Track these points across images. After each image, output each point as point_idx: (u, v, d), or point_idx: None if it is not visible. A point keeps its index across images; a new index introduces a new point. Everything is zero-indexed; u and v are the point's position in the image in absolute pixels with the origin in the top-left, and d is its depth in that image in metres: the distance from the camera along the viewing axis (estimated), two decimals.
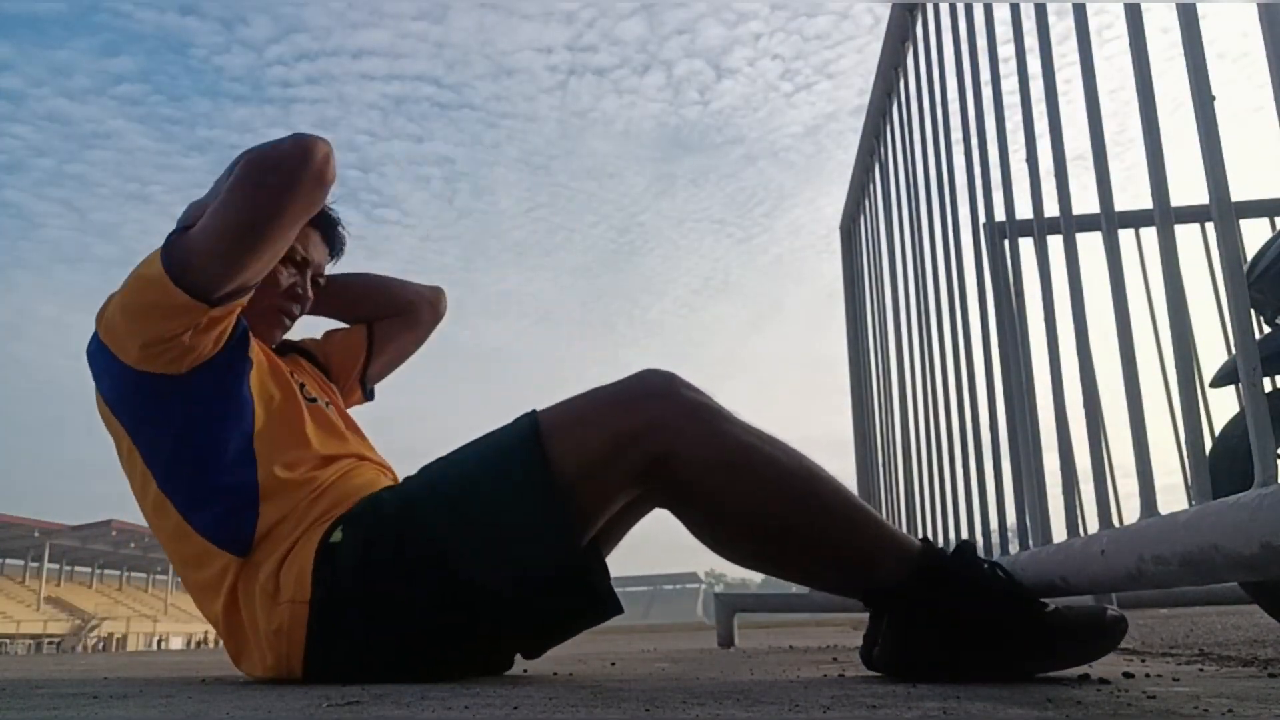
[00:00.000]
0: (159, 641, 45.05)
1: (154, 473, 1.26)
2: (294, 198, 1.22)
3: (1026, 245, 1.34)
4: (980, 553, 1.53)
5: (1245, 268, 1.81)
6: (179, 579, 1.39)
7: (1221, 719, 0.72)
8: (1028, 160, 1.31)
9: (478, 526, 1.15)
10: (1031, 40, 1.23)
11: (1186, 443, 0.95)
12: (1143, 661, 1.53)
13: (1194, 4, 0.85)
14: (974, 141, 1.54)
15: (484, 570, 1.14)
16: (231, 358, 1.28)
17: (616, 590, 1.21)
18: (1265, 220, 2.26)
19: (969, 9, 1.55)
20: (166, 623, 50.89)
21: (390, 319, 1.66)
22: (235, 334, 1.29)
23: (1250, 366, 0.80)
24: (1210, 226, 1.41)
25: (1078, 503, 1.20)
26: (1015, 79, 1.31)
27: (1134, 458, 1.00)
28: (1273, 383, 1.83)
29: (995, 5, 1.43)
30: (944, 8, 1.72)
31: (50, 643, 37.27)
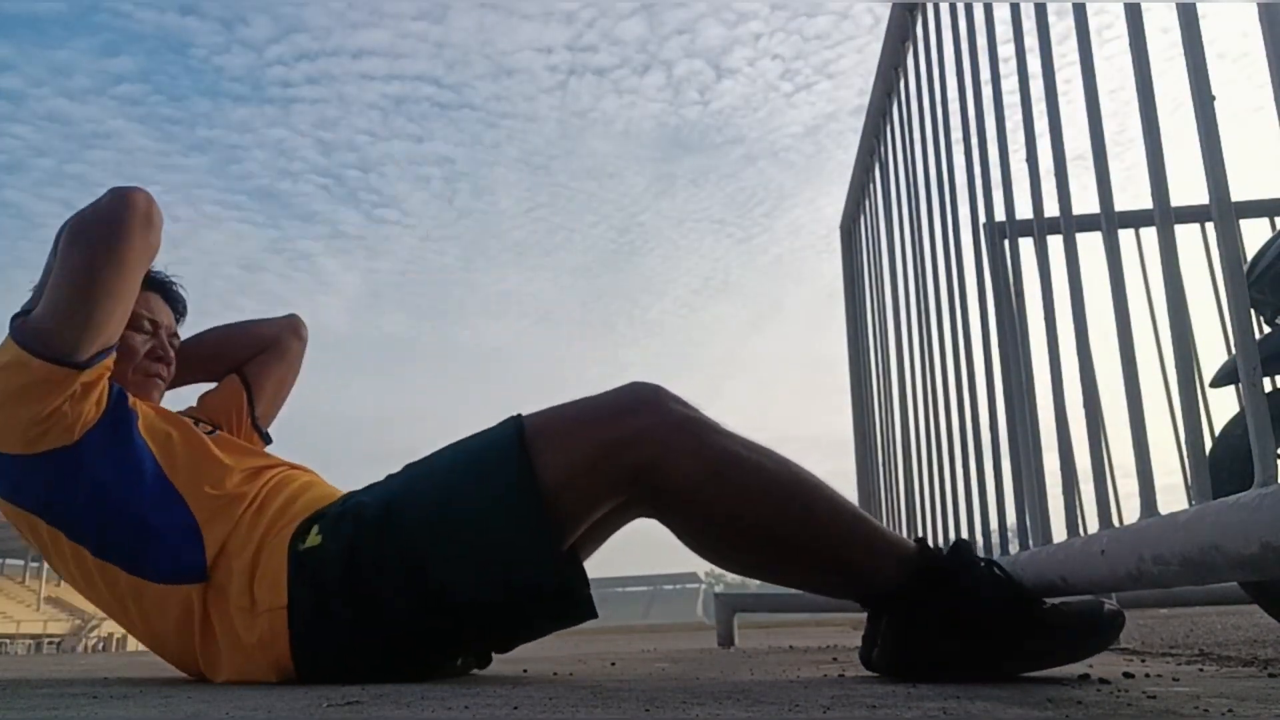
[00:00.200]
0: None
1: (85, 546, 1.27)
2: (127, 244, 1.27)
3: (1026, 245, 1.34)
4: (980, 552, 1.54)
5: (1245, 268, 1.81)
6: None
7: (1221, 719, 0.72)
8: (1028, 160, 1.31)
9: (458, 531, 1.15)
10: (1031, 40, 1.23)
11: (1186, 443, 0.95)
12: (1143, 661, 1.53)
13: (1194, 4, 0.85)
14: (974, 141, 1.54)
15: (464, 576, 1.14)
16: (115, 414, 1.29)
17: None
18: (1265, 220, 2.26)
19: (969, 9, 1.55)
20: None
21: (256, 358, 1.67)
22: (112, 393, 1.31)
23: (1250, 366, 0.80)
24: (1210, 226, 1.41)
25: (1078, 503, 1.20)
26: (1015, 79, 1.31)
27: (1134, 458, 1.00)
28: (1273, 383, 1.83)
29: (995, 5, 1.43)
30: (944, 8, 1.72)
31: (50, 643, 37.26)
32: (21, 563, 49.64)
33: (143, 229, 1.29)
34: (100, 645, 37.78)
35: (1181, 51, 0.87)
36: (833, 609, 2.78)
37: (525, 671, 1.47)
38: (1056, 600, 1.12)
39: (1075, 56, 1.08)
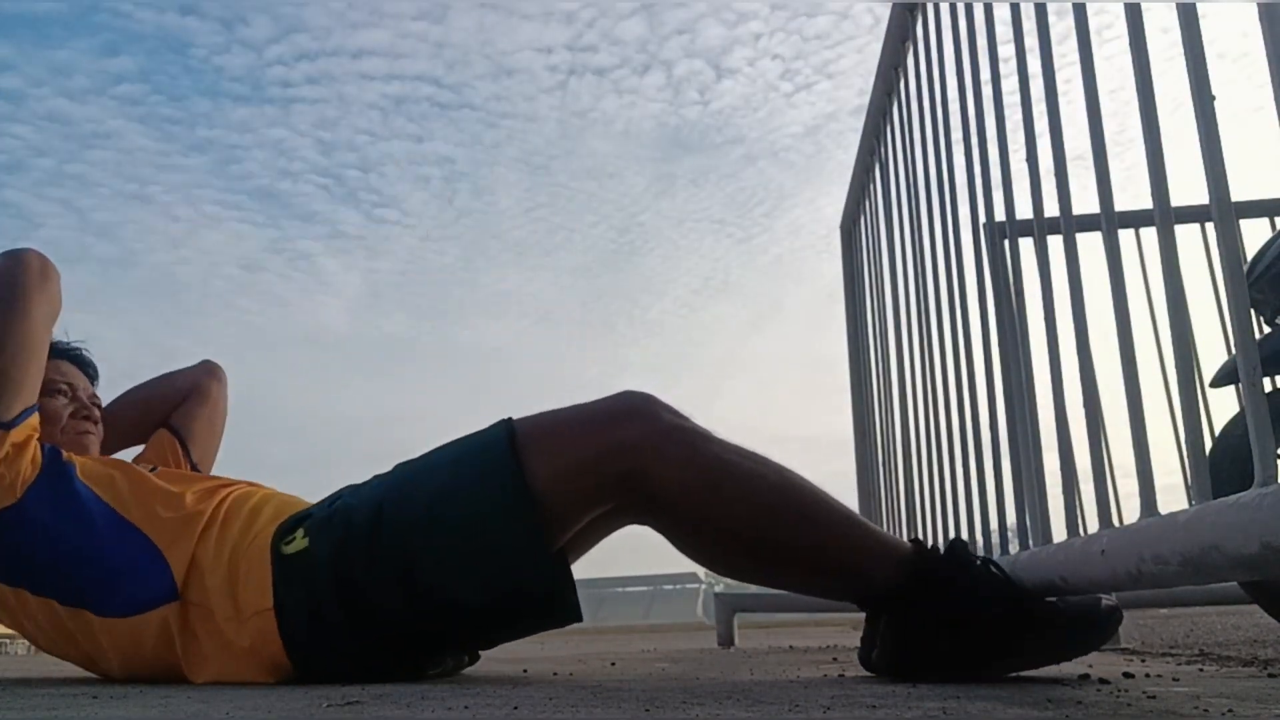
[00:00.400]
0: None
1: (53, 598, 1.28)
2: (27, 301, 1.31)
3: (1026, 245, 1.34)
4: (980, 552, 1.54)
5: (1245, 268, 1.81)
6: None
7: (1221, 719, 0.72)
8: (1028, 160, 1.30)
9: (449, 533, 1.15)
10: (1031, 40, 1.23)
11: (1186, 443, 0.95)
12: (1143, 661, 1.53)
13: (1194, 4, 0.85)
14: (974, 141, 1.54)
15: (453, 578, 1.15)
16: (52, 469, 1.31)
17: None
18: (1265, 220, 2.26)
19: (969, 9, 1.54)
20: None
21: (179, 408, 1.69)
22: (45, 451, 1.33)
23: (1250, 366, 0.79)
24: (1210, 226, 1.41)
25: (1078, 503, 1.20)
26: (1015, 79, 1.31)
27: (1134, 458, 1.00)
28: (1273, 383, 1.83)
29: (995, 5, 1.43)
30: (944, 8, 1.72)
31: None
32: None
33: (40, 285, 1.34)
34: None
35: (1181, 51, 0.87)
36: (833, 609, 2.78)
37: (525, 671, 1.47)
38: (1053, 598, 1.12)
39: (1075, 56, 1.07)
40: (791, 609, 3.34)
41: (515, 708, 0.85)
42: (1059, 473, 1.23)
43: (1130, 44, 0.95)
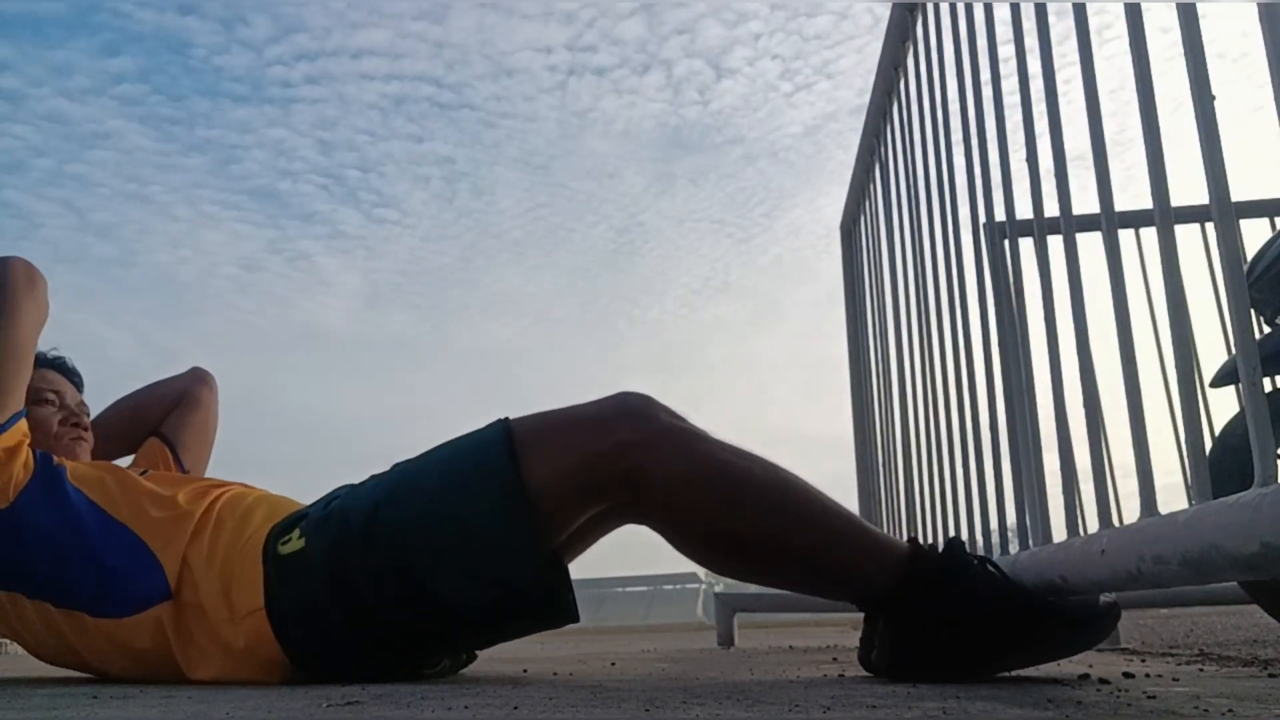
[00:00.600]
0: None
1: (48, 601, 1.28)
2: (15, 306, 1.32)
3: (1026, 245, 1.34)
4: (980, 552, 1.54)
5: (1245, 268, 1.81)
6: None
7: (1221, 719, 0.72)
8: (1028, 160, 1.30)
9: (445, 533, 1.15)
10: (1031, 40, 1.23)
11: (1186, 443, 0.95)
12: (1143, 661, 1.53)
13: (1194, 4, 0.85)
14: (974, 141, 1.54)
15: (449, 577, 1.15)
16: (43, 473, 1.32)
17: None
18: (1265, 220, 2.26)
19: (969, 9, 1.54)
20: None
21: (170, 415, 1.70)
22: (37, 456, 1.34)
23: (1250, 366, 0.79)
24: (1210, 226, 1.41)
25: (1078, 502, 1.20)
26: (1015, 79, 1.31)
27: (1134, 458, 1.00)
28: (1273, 383, 1.83)
29: (995, 5, 1.42)
30: (944, 8, 1.72)
31: None
32: None
33: (28, 291, 1.35)
34: None
35: (1181, 51, 0.87)
36: (833, 609, 2.78)
37: (525, 671, 1.47)
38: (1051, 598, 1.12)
39: (1075, 56, 1.07)
40: (791, 609, 3.34)
41: (515, 708, 0.85)
42: (1059, 473, 1.23)
43: (1130, 44, 0.95)
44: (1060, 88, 1.20)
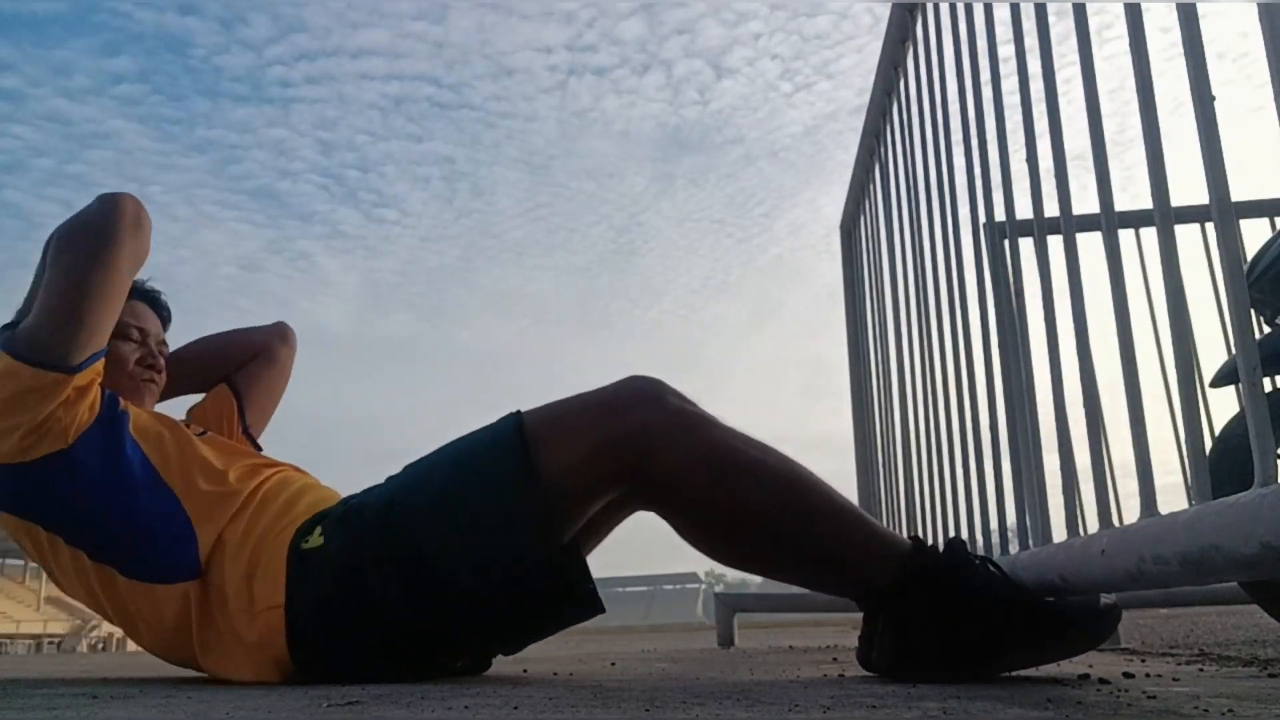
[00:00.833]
0: None
1: (83, 549, 1.28)
2: (116, 249, 1.28)
3: (1026, 245, 1.34)
4: (980, 552, 1.54)
5: (1245, 268, 1.81)
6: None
7: (1221, 719, 0.72)
8: (1028, 160, 1.30)
9: (459, 526, 1.15)
10: (1031, 40, 1.23)
11: (1186, 443, 0.95)
12: (1143, 661, 1.53)
13: (1194, 4, 0.85)
14: (974, 141, 1.54)
15: (464, 570, 1.14)
16: (108, 417, 1.30)
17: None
18: (1265, 220, 2.26)
19: (969, 9, 1.54)
20: None
21: (245, 366, 1.67)
22: (104, 397, 1.32)
23: (1250, 366, 0.79)
24: (1210, 226, 1.41)
25: (1078, 503, 1.20)
26: (1015, 79, 1.31)
27: (1134, 458, 1.00)
28: (1273, 383, 1.83)
29: (995, 5, 1.42)
30: (944, 8, 1.72)
31: (50, 643, 37.24)
32: (22, 563, 49.55)
33: (132, 233, 1.31)
34: (100, 645, 37.76)
35: (1181, 51, 0.87)
36: (833, 609, 2.78)
37: (525, 671, 1.47)
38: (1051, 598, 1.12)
39: (1075, 56, 1.07)
40: (791, 609, 3.34)
41: (515, 708, 0.85)
42: (1059, 473, 1.23)
43: (1130, 44, 0.95)
44: (1060, 88, 1.20)
